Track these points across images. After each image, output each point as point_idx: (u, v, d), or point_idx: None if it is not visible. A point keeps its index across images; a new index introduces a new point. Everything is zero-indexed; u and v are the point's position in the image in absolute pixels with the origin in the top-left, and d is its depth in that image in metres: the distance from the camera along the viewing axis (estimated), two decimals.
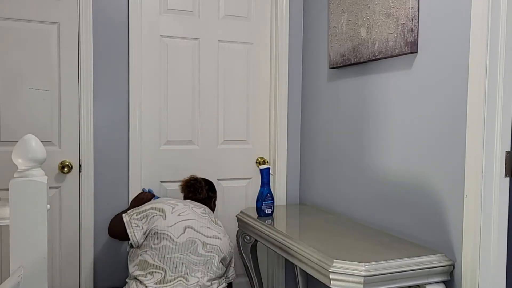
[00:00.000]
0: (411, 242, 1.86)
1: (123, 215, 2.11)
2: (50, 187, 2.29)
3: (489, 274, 1.60)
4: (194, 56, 2.62)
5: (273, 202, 2.36)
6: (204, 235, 2.08)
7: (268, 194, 2.34)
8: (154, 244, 2.01)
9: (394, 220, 2.01)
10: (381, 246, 1.81)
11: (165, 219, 2.05)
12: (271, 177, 2.72)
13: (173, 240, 2.02)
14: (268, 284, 2.80)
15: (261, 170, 2.34)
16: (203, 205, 2.27)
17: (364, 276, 1.56)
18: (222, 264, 2.12)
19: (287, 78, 2.75)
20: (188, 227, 2.06)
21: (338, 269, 1.59)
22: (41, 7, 2.30)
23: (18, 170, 1.36)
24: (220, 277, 2.10)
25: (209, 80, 2.65)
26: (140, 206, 2.15)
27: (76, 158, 2.39)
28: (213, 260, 2.06)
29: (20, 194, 1.33)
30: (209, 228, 2.13)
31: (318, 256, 1.71)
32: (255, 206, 2.36)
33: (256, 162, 2.77)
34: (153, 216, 2.07)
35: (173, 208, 2.11)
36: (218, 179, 2.71)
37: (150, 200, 2.33)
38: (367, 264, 1.58)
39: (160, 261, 1.98)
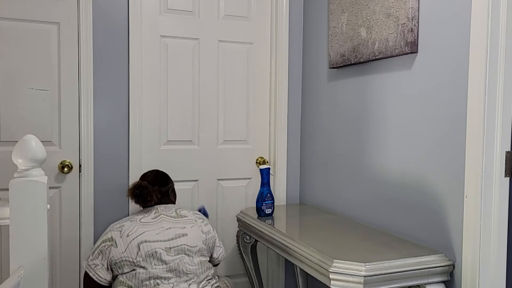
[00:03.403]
0: (411, 242, 1.86)
1: (83, 262, 2.03)
2: (50, 187, 2.29)
3: (489, 274, 1.60)
4: (194, 56, 2.62)
5: (273, 202, 2.36)
6: (165, 240, 1.96)
7: (268, 194, 2.34)
8: (122, 271, 1.95)
9: (394, 220, 2.01)
10: (381, 246, 1.81)
11: (116, 246, 1.94)
12: (271, 177, 2.72)
13: (133, 263, 1.92)
14: (268, 284, 2.80)
15: (261, 170, 2.34)
16: (155, 205, 2.12)
17: (364, 276, 1.56)
18: (203, 256, 2.03)
19: (287, 78, 2.75)
20: (142, 243, 1.94)
21: (338, 269, 1.59)
22: (41, 7, 2.30)
23: (18, 170, 1.36)
24: (205, 273, 2.01)
25: (209, 80, 2.65)
26: (94, 245, 2.04)
27: (76, 158, 2.39)
28: (184, 260, 1.97)
29: (20, 194, 1.33)
30: (170, 228, 2.00)
31: (318, 256, 1.71)
32: (255, 206, 2.36)
33: (256, 162, 2.77)
34: (106, 249, 1.96)
35: (120, 232, 1.97)
36: (218, 179, 2.71)
37: None
38: (367, 264, 1.58)
39: (136, 285, 1.93)
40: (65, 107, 2.37)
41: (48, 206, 1.38)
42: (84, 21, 2.35)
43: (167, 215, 2.06)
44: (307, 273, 2.57)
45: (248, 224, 2.33)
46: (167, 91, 2.57)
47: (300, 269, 2.36)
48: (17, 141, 1.39)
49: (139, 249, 1.93)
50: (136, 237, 1.95)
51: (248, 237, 2.44)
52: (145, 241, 1.95)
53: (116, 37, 2.43)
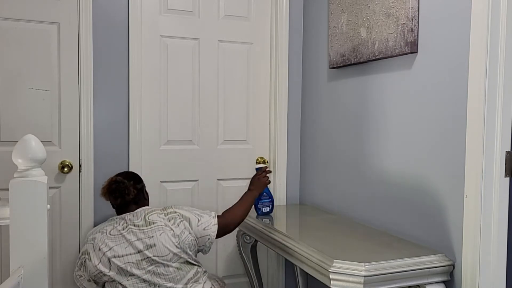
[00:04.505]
0: (411, 242, 1.86)
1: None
2: (50, 187, 2.29)
3: (489, 274, 1.60)
4: (194, 56, 2.62)
5: (271, 201, 2.36)
6: (134, 253, 1.90)
7: (264, 193, 2.34)
8: (105, 280, 1.93)
9: (394, 220, 2.01)
10: (381, 246, 1.81)
11: (91, 260, 1.92)
12: (271, 177, 2.72)
13: (109, 276, 1.90)
14: (268, 284, 2.80)
15: (256, 169, 2.33)
16: (124, 214, 2.02)
17: (364, 276, 1.56)
18: (181, 259, 1.94)
19: (287, 78, 2.75)
20: (112, 258, 1.89)
21: (338, 269, 1.59)
22: (41, 7, 2.30)
23: (18, 170, 1.36)
24: (187, 276, 1.95)
25: (209, 80, 2.65)
26: (78, 256, 2.03)
27: (76, 158, 2.39)
28: (158, 271, 1.91)
29: (20, 194, 1.33)
30: (137, 240, 1.91)
31: (318, 256, 1.71)
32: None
33: (256, 162, 2.77)
34: (84, 262, 1.95)
35: (93, 245, 1.93)
36: (218, 179, 2.71)
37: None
38: (367, 264, 1.58)
39: None
40: (65, 107, 2.37)
41: (48, 206, 1.38)
42: (84, 21, 2.35)
43: (134, 225, 1.95)
44: (307, 273, 2.57)
45: (248, 224, 2.33)
46: (167, 91, 2.57)
47: (300, 269, 2.36)
48: (17, 141, 1.39)
49: (111, 264, 1.90)
50: (106, 252, 1.91)
51: (248, 237, 2.44)
52: (115, 256, 1.90)
53: (116, 37, 2.43)
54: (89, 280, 1.97)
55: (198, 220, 1.99)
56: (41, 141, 1.42)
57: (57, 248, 2.37)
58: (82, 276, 1.98)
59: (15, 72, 2.27)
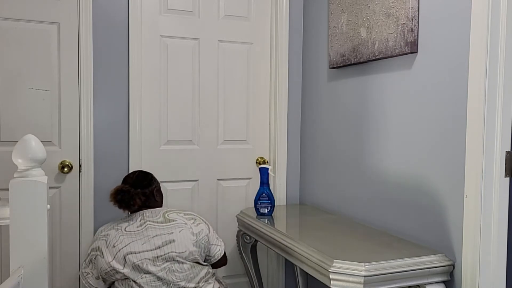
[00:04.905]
0: (411, 242, 1.86)
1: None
2: (50, 187, 2.29)
3: (489, 274, 1.60)
4: (194, 56, 2.62)
5: (270, 202, 2.35)
6: (151, 250, 1.91)
7: (264, 194, 2.34)
8: (115, 278, 1.93)
9: (394, 220, 2.01)
10: (381, 246, 1.81)
11: (103, 257, 1.90)
12: (271, 177, 2.73)
13: (122, 273, 1.89)
14: (268, 284, 2.80)
15: (260, 169, 2.35)
16: (142, 211, 2.04)
17: (364, 276, 1.56)
18: (195, 259, 1.97)
19: (287, 78, 2.75)
20: (128, 254, 1.89)
21: (338, 269, 1.59)
22: (41, 7, 2.30)
23: (18, 170, 1.36)
24: (198, 275, 1.98)
25: (209, 80, 2.65)
26: (87, 252, 2.03)
27: (76, 158, 2.39)
28: (173, 268, 1.92)
29: (20, 194, 1.33)
30: (156, 236, 1.93)
31: (318, 256, 1.71)
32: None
33: (256, 162, 2.77)
34: (95, 258, 1.93)
35: (106, 242, 1.93)
36: (218, 179, 2.71)
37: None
38: (367, 264, 1.58)
39: None
40: (65, 107, 2.37)
41: (48, 206, 1.38)
42: (84, 21, 2.35)
43: (153, 221, 1.98)
44: (307, 273, 2.57)
45: (248, 224, 2.33)
46: (167, 91, 2.57)
47: (300, 269, 2.36)
48: (17, 141, 1.39)
49: (125, 261, 1.89)
50: (122, 248, 1.90)
51: (248, 237, 2.44)
52: (131, 253, 1.89)
53: (116, 37, 2.43)
54: (97, 278, 1.96)
55: (212, 233, 2.10)
56: (41, 141, 1.42)
57: (57, 248, 2.37)
58: (89, 274, 1.97)
59: (15, 72, 2.27)
